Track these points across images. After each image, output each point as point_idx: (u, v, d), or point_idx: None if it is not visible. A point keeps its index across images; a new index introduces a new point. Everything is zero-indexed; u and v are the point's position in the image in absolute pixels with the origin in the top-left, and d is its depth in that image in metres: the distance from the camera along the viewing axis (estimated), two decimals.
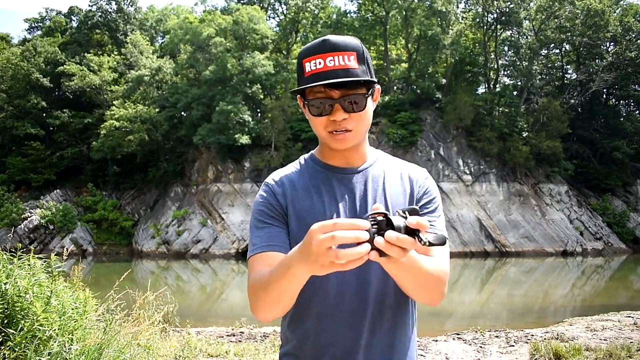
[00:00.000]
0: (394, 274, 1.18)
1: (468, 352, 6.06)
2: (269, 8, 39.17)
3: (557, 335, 6.72)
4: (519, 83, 35.19)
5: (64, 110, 34.78)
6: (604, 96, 37.12)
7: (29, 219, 29.85)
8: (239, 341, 6.85)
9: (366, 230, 0.97)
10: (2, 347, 2.91)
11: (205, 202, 30.50)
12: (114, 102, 33.26)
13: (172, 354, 5.00)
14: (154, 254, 29.22)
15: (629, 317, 8.47)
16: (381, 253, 0.98)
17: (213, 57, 31.44)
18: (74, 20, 42.46)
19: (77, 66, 34.18)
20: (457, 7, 36.02)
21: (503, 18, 33.37)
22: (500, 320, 11.46)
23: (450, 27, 33.62)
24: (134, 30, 39.36)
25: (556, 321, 9.53)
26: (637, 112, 38.45)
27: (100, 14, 40.16)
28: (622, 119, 36.17)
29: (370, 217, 1.00)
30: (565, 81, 36.98)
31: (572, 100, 34.45)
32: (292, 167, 1.49)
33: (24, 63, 34.47)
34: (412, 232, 0.97)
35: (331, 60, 1.29)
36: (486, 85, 36.16)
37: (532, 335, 6.86)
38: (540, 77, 35.68)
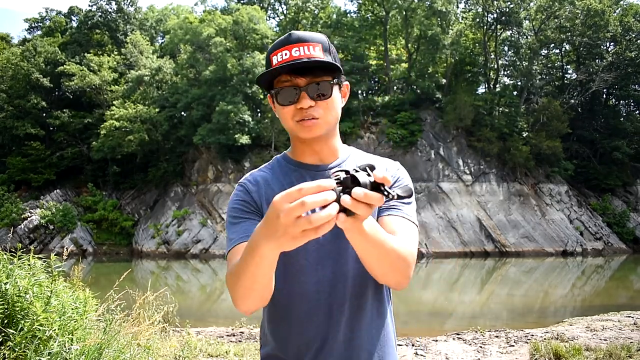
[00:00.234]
0: (358, 246, 1.16)
1: (468, 352, 6.06)
2: (269, 8, 39.20)
3: (557, 335, 6.72)
4: (519, 83, 35.20)
5: (64, 110, 34.80)
6: (604, 96, 37.13)
7: (29, 219, 29.86)
8: (239, 341, 6.85)
9: (332, 190, 0.93)
10: (2, 347, 2.91)
11: (205, 202, 30.50)
12: (114, 102, 33.27)
13: (172, 354, 5.00)
14: (154, 254, 29.23)
15: (629, 317, 8.47)
16: (348, 213, 0.94)
17: (213, 57, 31.44)
18: (74, 20, 42.49)
19: (77, 66, 34.20)
20: (457, 7, 36.04)
21: (503, 18, 33.38)
22: (500, 320, 11.46)
23: (450, 27, 33.63)
24: (134, 30, 39.38)
25: (556, 321, 9.52)
26: (637, 112, 38.46)
27: (100, 14, 40.18)
28: (622, 119, 36.18)
29: (333, 176, 0.97)
30: (565, 81, 36.98)
31: (572, 100, 34.46)
32: (266, 168, 1.50)
33: (24, 63, 34.49)
34: (377, 188, 0.94)
35: (297, 50, 1.32)
36: (486, 85, 36.16)
37: (532, 335, 6.86)
38: (540, 77, 35.69)
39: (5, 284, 3.07)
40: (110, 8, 40.40)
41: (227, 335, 7.32)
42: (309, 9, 35.80)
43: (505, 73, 37.36)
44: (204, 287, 20.09)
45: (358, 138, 30.30)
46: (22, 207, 30.47)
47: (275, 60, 1.33)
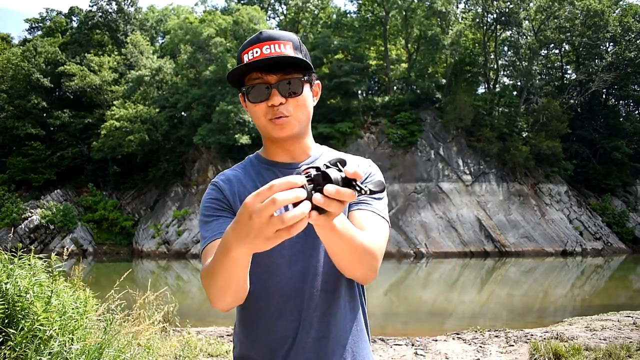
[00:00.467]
0: (329, 242, 1.16)
1: (468, 352, 6.07)
2: (269, 8, 39.19)
3: (557, 335, 6.72)
4: (519, 83, 35.20)
5: (65, 110, 34.81)
6: (604, 96, 37.12)
7: (29, 219, 29.87)
8: None
9: (302, 187, 0.90)
10: (3, 347, 2.91)
11: None
12: (114, 102, 33.29)
13: (172, 353, 5.00)
14: (154, 253, 29.23)
15: (628, 316, 8.48)
16: (320, 210, 0.92)
17: (213, 57, 31.45)
18: (74, 21, 42.50)
19: (78, 66, 34.21)
20: (457, 7, 36.04)
21: (503, 18, 33.37)
22: (500, 320, 11.46)
23: (450, 27, 33.62)
24: (134, 31, 39.39)
25: (556, 321, 9.53)
26: (637, 112, 38.46)
27: (100, 14, 40.18)
28: (621, 119, 36.18)
29: (303, 173, 0.94)
30: (565, 81, 36.98)
31: (572, 100, 34.46)
32: (238, 167, 1.50)
33: (24, 63, 34.49)
34: (349, 184, 0.93)
35: (267, 48, 1.32)
36: (486, 85, 36.16)
37: (532, 335, 6.86)
38: (540, 77, 35.69)
39: (6, 283, 3.08)
40: (111, 8, 40.41)
41: (227, 335, 7.33)
42: (309, 9, 35.80)
43: (505, 73, 37.36)
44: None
45: (358, 138, 30.29)
46: (22, 207, 30.48)
47: (246, 58, 1.34)
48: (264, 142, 1.48)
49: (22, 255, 3.40)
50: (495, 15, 33.73)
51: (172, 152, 32.72)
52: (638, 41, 34.66)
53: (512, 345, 6.29)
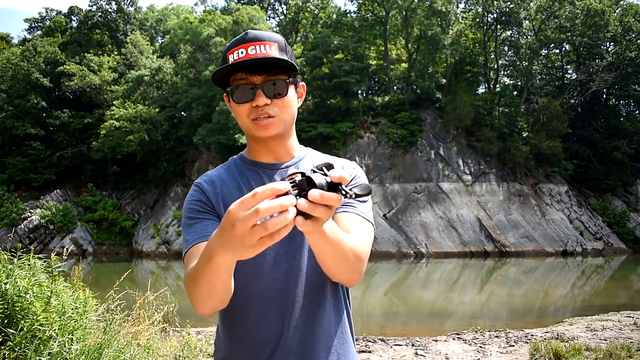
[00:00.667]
0: (317, 246, 1.16)
1: (468, 352, 6.06)
2: (269, 8, 39.20)
3: (557, 335, 6.72)
4: (519, 83, 35.19)
5: (64, 110, 34.80)
6: (604, 96, 37.12)
7: (29, 219, 29.86)
8: None
9: (286, 194, 0.89)
10: (2, 347, 2.91)
11: None
12: (114, 102, 33.29)
13: (172, 354, 5.00)
14: (154, 254, 29.23)
15: (629, 317, 8.47)
16: (306, 216, 0.91)
17: (213, 57, 31.46)
18: (74, 20, 42.50)
19: (77, 66, 34.20)
20: (457, 7, 36.04)
21: (503, 18, 33.37)
22: (500, 320, 11.45)
23: (450, 27, 33.62)
24: (134, 30, 39.39)
25: (556, 321, 9.53)
26: (637, 112, 38.46)
27: (100, 14, 40.18)
28: (622, 119, 36.17)
29: (288, 179, 0.94)
30: (565, 81, 36.98)
31: (572, 100, 34.46)
32: (222, 167, 1.49)
33: (24, 63, 34.49)
34: (335, 188, 0.92)
35: (253, 49, 1.33)
36: (486, 85, 36.16)
37: (532, 335, 6.86)
38: (540, 77, 35.69)
39: (5, 283, 3.07)
40: (110, 8, 40.41)
41: None
42: (309, 9, 35.79)
43: (505, 73, 37.37)
44: None
45: (358, 138, 30.27)
46: (22, 207, 30.48)
47: (231, 58, 1.34)
48: (248, 142, 1.48)
49: (21, 255, 3.40)
50: (495, 15, 33.72)
51: (172, 152, 32.72)
52: (638, 41, 34.68)
53: (513, 346, 6.29)
